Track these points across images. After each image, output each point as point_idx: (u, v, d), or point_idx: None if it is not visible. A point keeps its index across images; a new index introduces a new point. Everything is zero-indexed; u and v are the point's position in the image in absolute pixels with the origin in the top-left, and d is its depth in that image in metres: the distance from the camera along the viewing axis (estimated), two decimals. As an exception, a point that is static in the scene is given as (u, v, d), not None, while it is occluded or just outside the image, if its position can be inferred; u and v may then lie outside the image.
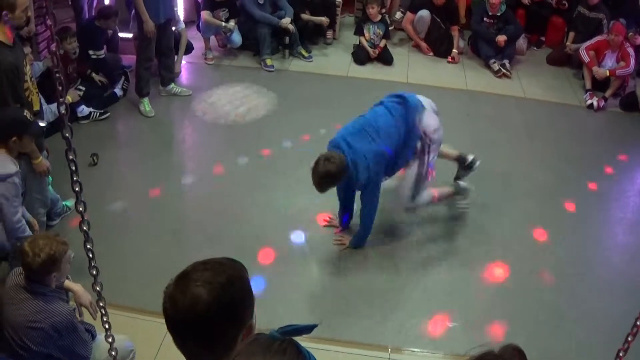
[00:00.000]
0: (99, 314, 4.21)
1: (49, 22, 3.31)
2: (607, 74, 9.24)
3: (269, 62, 10.02)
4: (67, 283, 4.38)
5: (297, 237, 6.35)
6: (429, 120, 5.84)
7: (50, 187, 5.94)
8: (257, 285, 5.23)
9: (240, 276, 2.18)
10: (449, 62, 10.39)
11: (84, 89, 8.14)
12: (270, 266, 5.90)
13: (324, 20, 10.47)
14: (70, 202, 6.21)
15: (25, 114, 4.92)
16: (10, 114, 5.02)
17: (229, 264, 2.20)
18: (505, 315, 5.53)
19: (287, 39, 10.14)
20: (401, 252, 6.23)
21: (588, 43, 9.59)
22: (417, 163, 5.93)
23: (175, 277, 2.17)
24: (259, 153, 7.61)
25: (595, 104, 9.17)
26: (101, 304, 3.96)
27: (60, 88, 3.16)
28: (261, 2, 9.90)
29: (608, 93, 9.33)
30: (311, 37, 10.71)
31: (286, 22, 9.94)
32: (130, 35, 9.30)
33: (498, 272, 6.03)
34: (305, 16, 10.37)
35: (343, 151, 5.51)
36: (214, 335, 2.10)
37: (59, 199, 6.15)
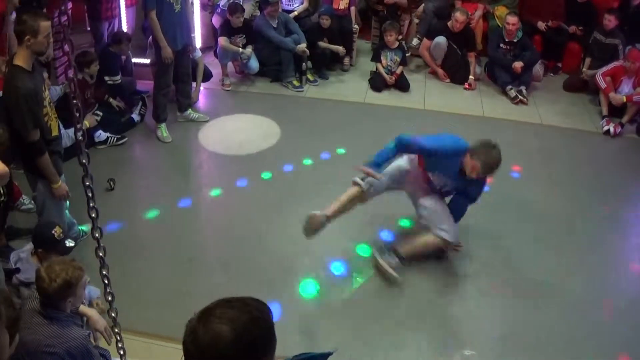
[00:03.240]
0: (113, 339, 4.23)
1: (66, 48, 3.35)
2: (624, 100, 9.21)
3: (296, 83, 10.17)
4: (82, 308, 4.38)
5: (313, 263, 6.32)
6: None
7: (67, 211, 5.96)
8: (272, 311, 5.23)
9: (264, 318, 2.17)
10: (465, 88, 10.39)
11: (101, 114, 8.20)
12: (285, 293, 5.87)
13: (340, 49, 10.54)
14: (87, 227, 6.22)
15: (53, 232, 4.91)
16: (41, 231, 5.03)
17: (254, 305, 2.18)
18: (521, 344, 5.48)
19: (304, 65, 10.20)
20: (417, 280, 6.20)
21: (604, 69, 9.58)
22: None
23: (198, 312, 2.14)
24: (276, 179, 7.63)
25: (611, 130, 9.13)
26: (116, 330, 3.98)
27: (77, 114, 3.19)
28: (275, 26, 9.99)
29: (625, 119, 9.30)
30: (328, 63, 10.76)
31: (302, 47, 10.01)
32: (146, 61, 9.38)
33: (514, 299, 5.98)
34: (323, 44, 10.42)
35: None
36: None
37: (75, 224, 6.15)
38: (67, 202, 5.85)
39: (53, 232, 4.86)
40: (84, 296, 4.23)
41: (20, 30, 5.04)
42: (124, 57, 9.01)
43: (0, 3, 6.73)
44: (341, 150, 8.18)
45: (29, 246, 4.98)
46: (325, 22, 10.36)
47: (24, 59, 5.10)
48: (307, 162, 7.97)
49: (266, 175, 7.70)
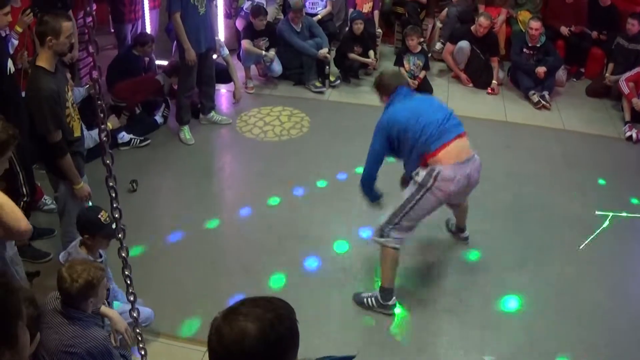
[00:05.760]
0: (133, 341, 4.24)
1: (91, 49, 3.36)
2: (647, 106, 9.16)
3: (317, 84, 10.20)
4: (103, 309, 4.39)
5: (334, 267, 6.32)
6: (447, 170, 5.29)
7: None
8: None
9: (289, 316, 2.17)
10: (488, 93, 10.35)
11: (129, 113, 8.28)
12: (306, 296, 5.87)
13: (369, 61, 10.50)
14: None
15: (100, 216, 4.87)
16: (86, 214, 5.01)
17: (278, 303, 2.19)
18: (540, 350, 5.45)
19: (327, 69, 10.20)
20: (436, 284, 6.18)
21: (627, 74, 9.51)
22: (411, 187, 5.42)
23: (223, 311, 2.16)
24: (297, 183, 7.63)
25: (634, 136, 9.06)
26: (137, 330, 3.99)
27: (102, 115, 3.20)
28: (298, 30, 10.00)
29: (647, 125, 9.23)
30: (355, 72, 10.74)
31: (324, 52, 10.02)
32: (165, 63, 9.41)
33: (535, 304, 5.94)
34: (352, 55, 10.38)
35: None
36: None
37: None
38: (89, 203, 5.87)
39: (99, 216, 4.85)
40: (105, 296, 4.24)
41: (42, 31, 5.05)
42: (146, 59, 9.05)
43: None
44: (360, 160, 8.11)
45: (74, 242, 4.99)
46: (360, 26, 10.27)
47: (47, 60, 5.11)
48: (327, 166, 7.95)
49: (287, 179, 7.70)
